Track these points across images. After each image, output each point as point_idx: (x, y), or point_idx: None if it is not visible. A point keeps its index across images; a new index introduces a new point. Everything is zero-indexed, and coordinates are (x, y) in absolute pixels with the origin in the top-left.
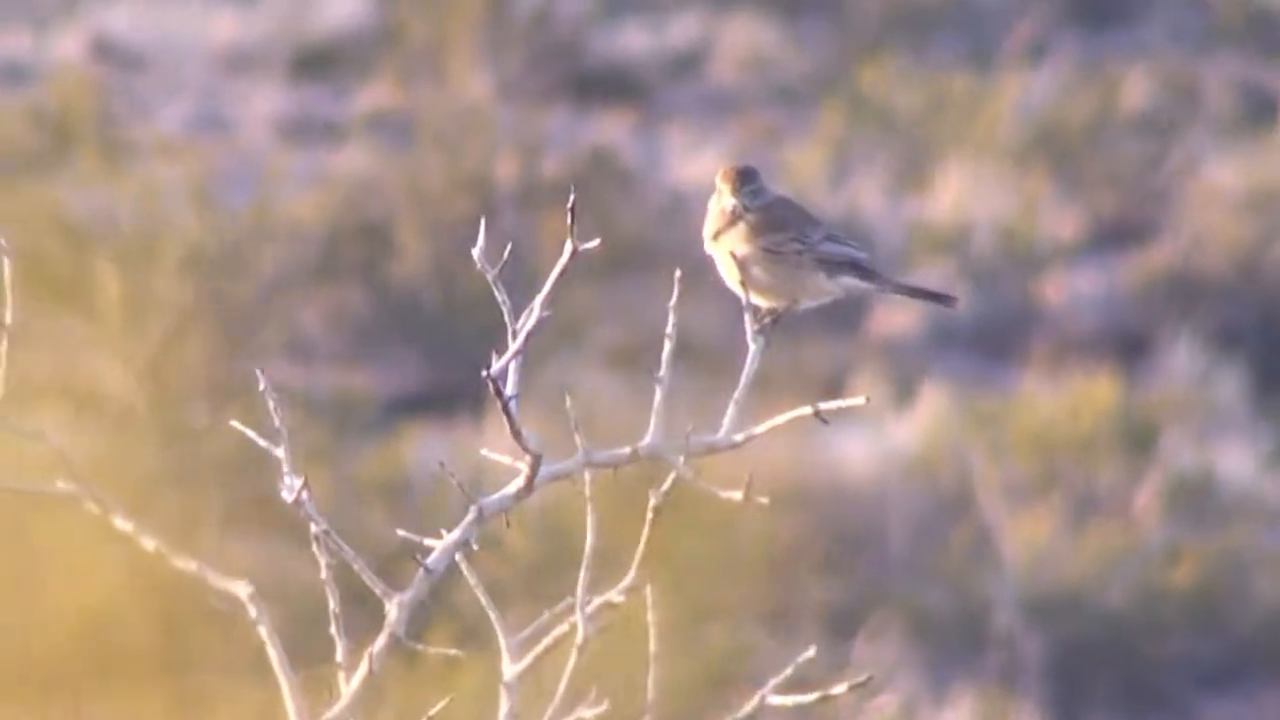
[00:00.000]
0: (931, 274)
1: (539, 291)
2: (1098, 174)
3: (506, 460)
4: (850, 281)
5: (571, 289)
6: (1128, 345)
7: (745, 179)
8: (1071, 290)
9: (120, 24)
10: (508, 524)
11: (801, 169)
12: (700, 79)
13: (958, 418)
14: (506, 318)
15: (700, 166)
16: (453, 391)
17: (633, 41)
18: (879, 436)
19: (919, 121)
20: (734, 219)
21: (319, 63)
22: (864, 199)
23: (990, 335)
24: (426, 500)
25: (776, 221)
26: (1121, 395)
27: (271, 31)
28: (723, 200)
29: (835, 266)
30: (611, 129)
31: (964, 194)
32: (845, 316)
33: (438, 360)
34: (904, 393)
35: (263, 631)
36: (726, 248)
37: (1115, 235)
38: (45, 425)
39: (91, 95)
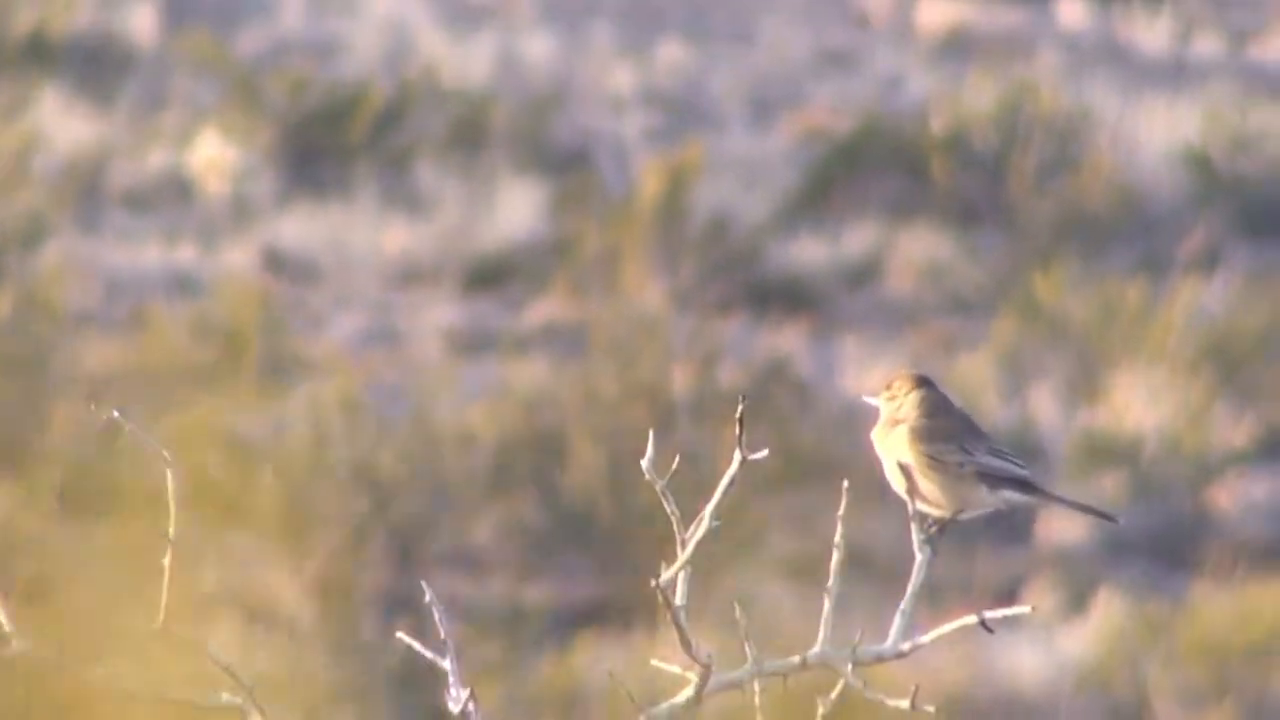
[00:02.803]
0: (1104, 482)
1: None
2: (1270, 383)
3: (677, 670)
4: (1011, 495)
5: (748, 500)
6: None
7: (914, 385)
8: (1244, 498)
9: (291, 236)
10: None
11: (974, 378)
12: (875, 289)
13: (1130, 626)
14: (675, 527)
15: (875, 377)
16: (627, 602)
17: (808, 251)
18: (1051, 646)
19: (1092, 330)
20: (897, 424)
21: (491, 275)
22: (1037, 407)
23: (1162, 543)
24: (599, 712)
25: (941, 431)
26: None
27: (443, 244)
28: (889, 404)
29: (996, 480)
30: (787, 339)
31: (1136, 403)
32: (1016, 526)
33: (612, 571)
34: (1076, 602)
35: None
36: (891, 453)
37: None
38: (217, 638)
39: (261, 307)
